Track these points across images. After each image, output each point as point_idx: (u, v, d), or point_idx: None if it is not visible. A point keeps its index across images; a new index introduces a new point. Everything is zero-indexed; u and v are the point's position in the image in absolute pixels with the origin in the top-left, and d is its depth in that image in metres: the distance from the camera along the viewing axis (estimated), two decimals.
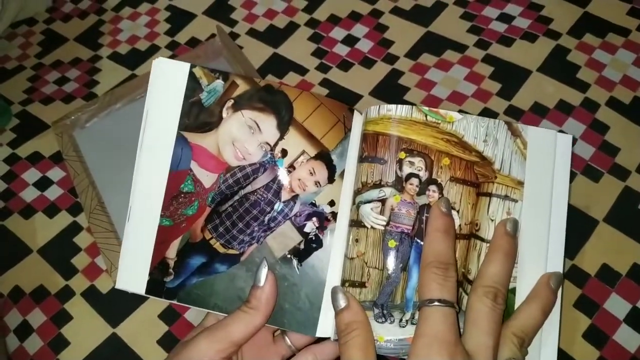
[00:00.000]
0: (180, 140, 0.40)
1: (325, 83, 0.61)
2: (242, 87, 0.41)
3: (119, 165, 0.52)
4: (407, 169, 0.39)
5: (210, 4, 0.71)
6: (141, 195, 0.40)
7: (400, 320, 0.37)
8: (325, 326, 0.39)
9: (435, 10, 0.64)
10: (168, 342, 0.49)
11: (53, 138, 0.60)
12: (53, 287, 0.52)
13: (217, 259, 0.40)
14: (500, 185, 0.39)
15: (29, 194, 0.58)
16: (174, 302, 0.40)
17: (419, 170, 0.39)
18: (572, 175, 0.50)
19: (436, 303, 0.34)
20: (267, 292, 0.37)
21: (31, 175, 0.60)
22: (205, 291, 0.40)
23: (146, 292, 0.40)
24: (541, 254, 0.39)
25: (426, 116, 0.40)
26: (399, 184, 0.39)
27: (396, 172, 0.39)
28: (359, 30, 0.64)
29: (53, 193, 0.58)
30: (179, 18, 0.70)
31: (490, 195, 0.39)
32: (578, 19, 0.59)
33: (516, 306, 0.37)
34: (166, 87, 0.40)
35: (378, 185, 0.39)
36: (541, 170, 0.40)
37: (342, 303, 0.37)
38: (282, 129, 0.40)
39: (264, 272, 0.38)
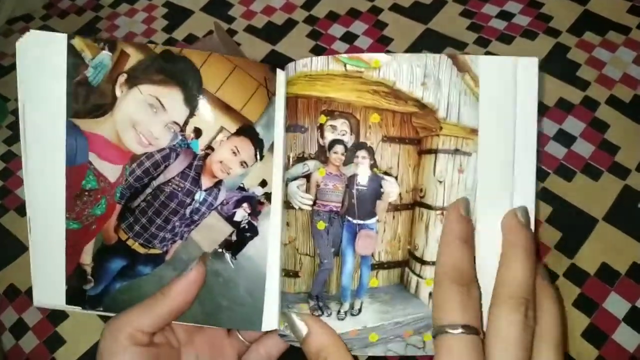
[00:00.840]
0: (72, 129, 0.34)
1: None
2: (134, 57, 0.34)
3: None
4: (329, 135, 0.33)
5: (208, 0, 0.70)
6: (38, 199, 0.34)
7: (338, 312, 0.33)
8: (271, 319, 0.36)
9: (434, 7, 0.63)
10: None
11: None
12: None
13: (139, 260, 0.36)
14: (448, 137, 0.33)
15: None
16: (100, 311, 0.36)
17: (343, 134, 0.33)
18: (572, 174, 0.50)
19: (460, 330, 0.29)
20: (183, 282, 0.34)
21: None
22: (133, 295, 0.36)
23: (67, 303, 0.35)
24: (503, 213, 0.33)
25: (345, 66, 0.33)
26: (322, 155, 0.33)
27: (318, 141, 0.33)
28: (358, 27, 0.64)
29: None
30: (176, 14, 0.70)
31: (435, 151, 0.33)
32: (578, 17, 0.59)
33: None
34: (43, 67, 0.33)
35: (301, 158, 0.34)
36: (498, 111, 0.33)
37: (303, 331, 0.33)
38: (191, 104, 0.34)
39: (193, 264, 0.34)
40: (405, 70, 0.33)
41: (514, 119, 0.32)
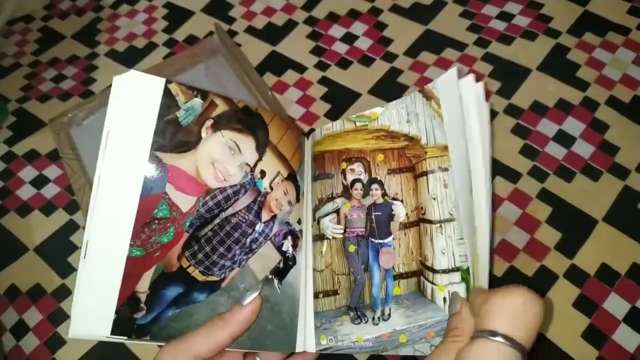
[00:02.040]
0: (154, 160, 0.36)
1: (324, 81, 0.60)
2: (221, 107, 0.39)
3: None
4: (350, 177, 0.42)
5: (208, 1, 0.70)
6: (102, 225, 0.34)
7: (373, 318, 0.39)
8: (301, 340, 0.40)
9: (434, 8, 0.63)
10: None
11: (50, 136, 0.59)
12: (49, 285, 0.52)
13: (195, 287, 0.37)
14: (432, 159, 0.39)
15: (26, 192, 0.58)
16: (145, 340, 0.35)
17: (360, 174, 0.42)
18: (571, 175, 0.50)
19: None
20: (245, 312, 0.35)
21: (28, 173, 0.59)
22: (183, 323, 0.36)
23: (112, 333, 0.34)
24: (483, 214, 0.36)
25: (355, 123, 0.43)
26: (347, 192, 0.42)
27: (342, 182, 0.42)
28: (358, 28, 0.64)
29: (50, 191, 0.58)
30: (177, 15, 0.70)
31: (426, 174, 0.39)
32: (578, 18, 0.59)
33: (473, 283, 0.35)
34: (136, 103, 0.36)
35: (330, 198, 0.42)
36: (456, 124, 0.37)
37: (456, 309, 0.34)
38: (261, 151, 0.41)
39: (253, 294, 0.36)
40: (394, 115, 0.41)
41: (470, 129, 0.36)
